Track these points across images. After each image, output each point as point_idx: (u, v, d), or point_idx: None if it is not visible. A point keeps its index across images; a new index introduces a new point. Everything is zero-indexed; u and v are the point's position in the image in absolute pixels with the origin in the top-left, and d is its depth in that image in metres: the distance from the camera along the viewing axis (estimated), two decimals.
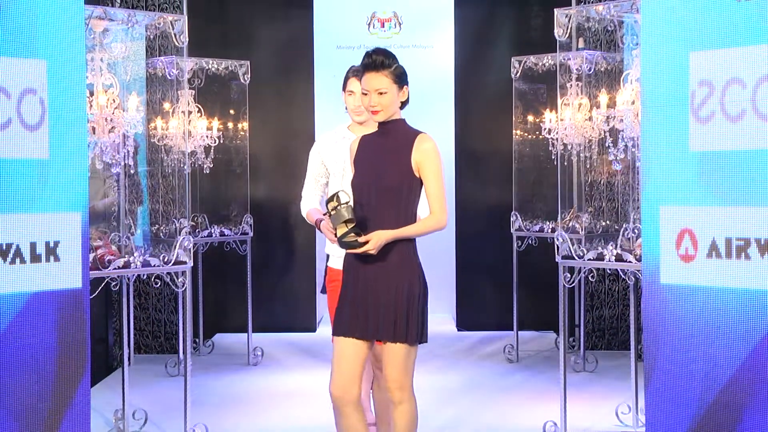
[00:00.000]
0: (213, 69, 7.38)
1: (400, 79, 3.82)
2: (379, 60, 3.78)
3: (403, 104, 3.89)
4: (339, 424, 3.88)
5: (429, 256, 4.73)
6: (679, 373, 3.74)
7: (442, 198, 3.82)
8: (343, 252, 4.00)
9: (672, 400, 3.77)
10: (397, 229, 3.76)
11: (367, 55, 3.82)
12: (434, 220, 3.83)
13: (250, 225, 7.42)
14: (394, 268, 3.77)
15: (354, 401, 3.80)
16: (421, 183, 3.82)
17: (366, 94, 3.83)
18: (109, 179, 5.15)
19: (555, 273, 5.10)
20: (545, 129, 6.92)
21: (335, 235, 3.79)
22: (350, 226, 3.75)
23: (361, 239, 3.72)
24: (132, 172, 5.24)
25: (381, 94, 3.79)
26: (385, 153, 3.83)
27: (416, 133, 3.85)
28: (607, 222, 5.51)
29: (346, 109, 4.60)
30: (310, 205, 4.61)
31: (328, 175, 4.67)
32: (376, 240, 3.72)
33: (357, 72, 4.36)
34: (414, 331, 3.76)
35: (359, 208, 3.83)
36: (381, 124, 3.88)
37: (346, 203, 3.78)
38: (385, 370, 3.81)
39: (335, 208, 3.77)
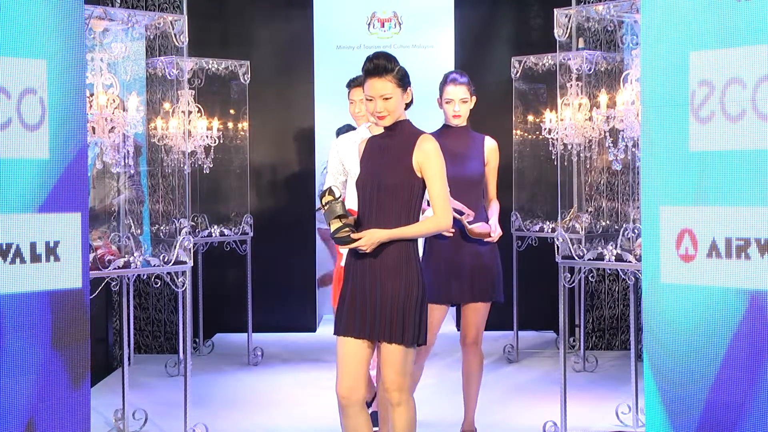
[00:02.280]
0: (213, 69, 7.37)
1: (403, 81, 3.79)
2: (381, 65, 3.75)
3: (408, 105, 3.87)
4: (344, 424, 3.87)
5: None
6: (679, 372, 3.74)
7: (444, 199, 3.79)
8: None
9: (672, 399, 3.77)
10: (396, 228, 3.75)
11: (369, 60, 3.77)
12: (435, 221, 3.81)
13: (250, 225, 7.41)
14: (393, 269, 3.75)
15: (360, 402, 3.80)
16: (424, 184, 3.80)
17: (371, 100, 3.79)
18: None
19: (555, 273, 5.09)
20: (545, 129, 6.91)
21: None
22: (343, 221, 3.75)
23: (354, 236, 3.72)
24: (133, 172, 5.24)
25: (386, 99, 3.76)
26: (388, 153, 3.82)
27: (419, 133, 3.83)
28: (607, 222, 5.50)
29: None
30: None
31: (346, 174, 4.69)
32: (369, 237, 3.72)
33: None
34: (410, 334, 3.75)
35: (363, 207, 3.83)
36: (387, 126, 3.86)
37: (339, 198, 3.77)
38: (383, 371, 3.80)
39: (328, 203, 3.76)
